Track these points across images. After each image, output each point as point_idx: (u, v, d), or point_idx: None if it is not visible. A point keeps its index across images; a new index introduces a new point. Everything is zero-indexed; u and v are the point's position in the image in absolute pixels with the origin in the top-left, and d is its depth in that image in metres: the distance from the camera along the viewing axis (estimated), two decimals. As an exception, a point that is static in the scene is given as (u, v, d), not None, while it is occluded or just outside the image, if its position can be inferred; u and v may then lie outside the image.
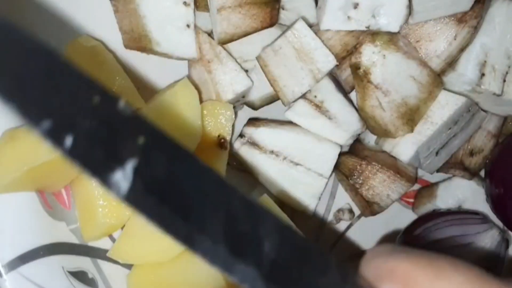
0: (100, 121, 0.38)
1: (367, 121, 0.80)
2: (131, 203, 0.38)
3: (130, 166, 0.38)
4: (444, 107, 0.79)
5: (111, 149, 0.38)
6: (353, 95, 0.82)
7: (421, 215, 0.91)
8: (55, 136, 0.36)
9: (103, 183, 0.37)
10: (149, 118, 0.39)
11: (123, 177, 0.37)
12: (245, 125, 0.82)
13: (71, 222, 0.75)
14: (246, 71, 0.80)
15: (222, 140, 0.76)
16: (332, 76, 0.80)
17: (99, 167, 0.37)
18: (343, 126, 0.80)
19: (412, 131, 0.79)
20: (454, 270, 0.45)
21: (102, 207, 0.71)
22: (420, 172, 0.92)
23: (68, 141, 0.36)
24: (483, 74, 0.81)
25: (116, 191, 0.37)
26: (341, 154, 0.88)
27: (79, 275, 0.73)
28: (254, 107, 0.83)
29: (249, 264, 0.39)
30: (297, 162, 0.82)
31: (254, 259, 0.39)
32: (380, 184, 0.86)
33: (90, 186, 0.71)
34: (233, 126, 0.77)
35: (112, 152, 0.38)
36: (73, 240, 0.74)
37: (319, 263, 0.42)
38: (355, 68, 0.76)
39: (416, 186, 0.93)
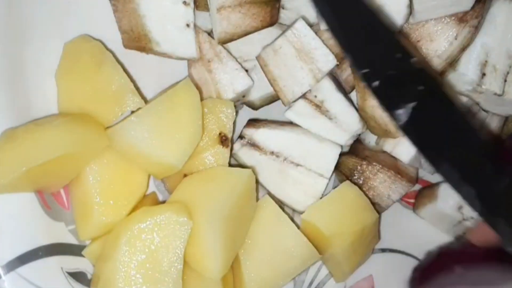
0: (398, 71, 0.57)
1: (368, 121, 0.80)
2: (406, 131, 0.58)
3: (410, 106, 0.56)
4: (445, 107, 0.79)
5: (401, 92, 0.57)
6: (353, 95, 0.82)
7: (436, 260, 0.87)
8: (368, 80, 0.57)
9: (390, 115, 0.57)
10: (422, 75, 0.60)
11: (405, 112, 0.56)
12: (245, 126, 0.82)
13: (70, 222, 0.74)
14: (246, 70, 0.79)
15: (224, 138, 0.75)
16: (332, 76, 0.80)
17: (391, 103, 0.57)
18: (343, 126, 0.79)
19: (412, 131, 0.79)
20: None
21: (98, 205, 0.70)
22: (421, 172, 0.92)
23: (376, 83, 0.57)
24: (484, 74, 0.80)
25: (397, 121, 0.57)
26: (341, 155, 0.88)
27: (78, 276, 0.73)
28: (254, 107, 0.83)
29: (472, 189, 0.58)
30: (297, 163, 0.81)
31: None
32: (381, 185, 0.86)
33: (88, 184, 0.70)
34: (234, 123, 0.77)
35: (401, 94, 0.57)
36: (72, 240, 0.74)
37: None
38: (356, 68, 0.76)
39: (417, 186, 0.92)
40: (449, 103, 0.59)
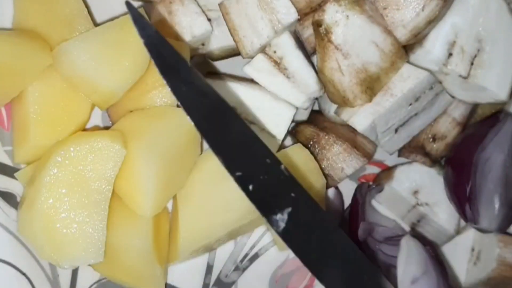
0: (270, 176, 0.57)
1: (326, 86, 0.78)
2: (285, 237, 0.56)
3: (286, 212, 0.56)
4: (406, 80, 0.78)
5: (275, 197, 0.56)
6: (319, 66, 0.81)
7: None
8: (243, 183, 0.55)
9: (267, 220, 0.56)
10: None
11: (281, 218, 0.56)
12: (202, 76, 0.81)
13: (7, 143, 0.73)
14: (209, 20, 0.79)
15: None
16: (294, 34, 0.79)
17: (267, 209, 0.56)
18: (300, 86, 0.78)
19: (370, 100, 0.78)
20: None
21: (36, 127, 0.69)
22: (382, 157, 0.90)
23: (250, 187, 0.55)
24: (450, 54, 0.79)
25: (275, 227, 0.56)
26: (300, 123, 0.87)
27: (6, 196, 0.71)
28: (212, 57, 0.82)
29: None
30: (251, 121, 0.80)
31: None
32: (335, 156, 0.84)
33: (27, 104, 0.69)
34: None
35: (276, 199, 0.56)
36: (6, 161, 0.72)
37: None
38: (317, 25, 0.75)
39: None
40: (319, 211, 0.59)
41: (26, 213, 0.67)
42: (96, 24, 0.75)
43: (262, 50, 0.77)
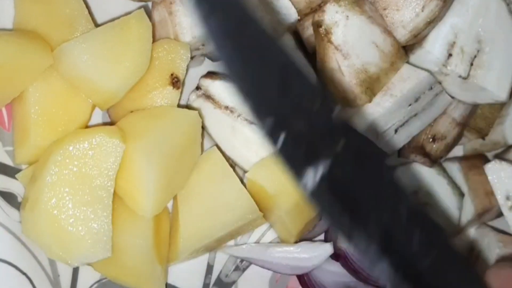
0: (311, 125, 0.43)
1: (326, 86, 0.79)
2: (314, 199, 0.44)
3: (321, 169, 0.43)
4: (406, 80, 0.78)
5: (310, 152, 0.43)
6: (319, 66, 0.81)
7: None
8: (271, 133, 0.43)
9: (295, 178, 0.43)
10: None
11: (313, 177, 0.43)
12: (202, 77, 0.81)
13: (8, 144, 0.73)
14: (210, 20, 0.79)
15: (175, 79, 0.75)
16: (295, 34, 0.79)
17: (296, 165, 0.43)
18: (300, 87, 0.78)
19: (370, 101, 0.78)
20: None
21: (36, 127, 0.69)
22: (382, 157, 0.90)
23: (281, 140, 0.42)
24: (450, 55, 0.79)
25: (303, 187, 0.43)
26: (300, 123, 0.87)
27: (7, 196, 0.71)
28: (213, 57, 0.82)
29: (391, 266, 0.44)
30: (251, 121, 0.80)
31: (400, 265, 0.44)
32: (335, 157, 0.84)
33: (28, 105, 0.69)
34: (187, 68, 0.76)
35: (310, 154, 0.43)
36: (7, 161, 0.72)
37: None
38: (317, 26, 0.75)
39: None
40: (378, 159, 0.48)
41: (29, 214, 0.67)
42: (96, 25, 0.75)
43: (263, 50, 0.78)
